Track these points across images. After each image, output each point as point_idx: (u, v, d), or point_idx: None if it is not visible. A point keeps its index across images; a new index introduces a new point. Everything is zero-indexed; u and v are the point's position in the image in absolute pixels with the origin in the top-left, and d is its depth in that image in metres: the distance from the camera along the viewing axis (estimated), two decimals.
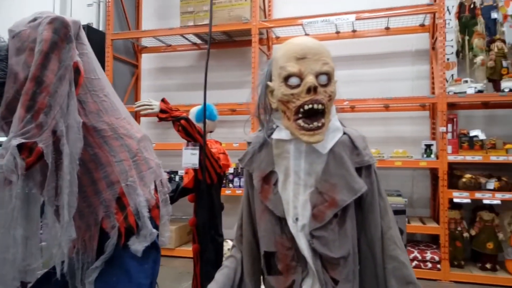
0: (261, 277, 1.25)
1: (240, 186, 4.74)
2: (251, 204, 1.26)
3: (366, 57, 4.93)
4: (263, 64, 5.10)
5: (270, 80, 1.16)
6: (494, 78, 4.13)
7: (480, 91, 4.03)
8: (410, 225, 4.06)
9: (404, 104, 4.64)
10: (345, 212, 1.10)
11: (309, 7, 4.97)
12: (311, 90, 1.04)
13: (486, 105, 4.38)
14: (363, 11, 4.31)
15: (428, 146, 4.25)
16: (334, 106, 1.15)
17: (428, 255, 4.02)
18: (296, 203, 1.12)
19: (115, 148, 1.39)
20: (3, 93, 1.27)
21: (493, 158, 3.89)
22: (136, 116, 5.06)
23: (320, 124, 1.06)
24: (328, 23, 4.48)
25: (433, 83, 4.59)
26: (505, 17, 4.23)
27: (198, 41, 5.48)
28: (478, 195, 3.88)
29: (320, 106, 1.05)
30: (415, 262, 4.04)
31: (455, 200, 3.96)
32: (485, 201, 3.90)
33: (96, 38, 5.06)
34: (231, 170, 4.79)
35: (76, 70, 1.29)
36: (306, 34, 4.84)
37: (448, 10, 4.55)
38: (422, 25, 4.70)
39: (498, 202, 3.86)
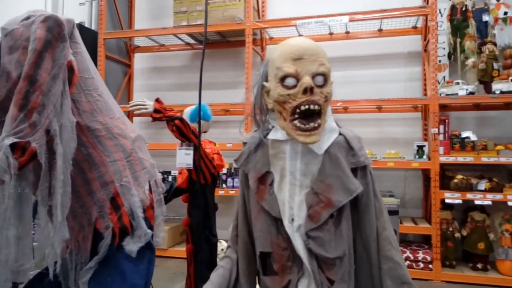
0: (257, 277, 1.25)
1: (233, 187, 4.73)
2: (247, 205, 1.25)
3: (359, 59, 4.96)
4: (257, 64, 5.12)
5: (266, 81, 1.15)
6: (485, 80, 4.18)
7: (471, 93, 4.07)
8: (402, 226, 4.09)
9: (397, 106, 4.67)
10: (340, 213, 1.10)
11: (302, 8, 4.98)
12: (308, 90, 1.05)
13: (477, 106, 4.43)
14: (356, 13, 4.33)
15: (420, 147, 4.29)
16: (330, 107, 1.15)
17: (420, 255, 4.05)
18: (292, 203, 1.12)
19: (109, 148, 1.37)
20: None
21: (484, 159, 3.93)
22: (129, 116, 5.03)
23: (316, 125, 1.06)
24: (322, 24, 4.50)
25: (425, 84, 4.63)
26: (496, 20, 4.28)
27: (192, 41, 5.47)
28: (469, 195, 3.92)
29: (316, 107, 1.06)
30: (407, 262, 4.06)
31: (447, 200, 4.00)
32: (477, 202, 3.94)
33: (89, 37, 5.02)
34: (224, 170, 4.78)
35: (70, 69, 1.28)
36: (300, 35, 4.85)
37: (440, 12, 4.59)
38: (415, 27, 4.74)
39: (489, 202, 3.90)
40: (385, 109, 4.75)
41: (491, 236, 3.96)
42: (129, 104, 2.37)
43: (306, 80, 1.05)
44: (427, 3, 4.31)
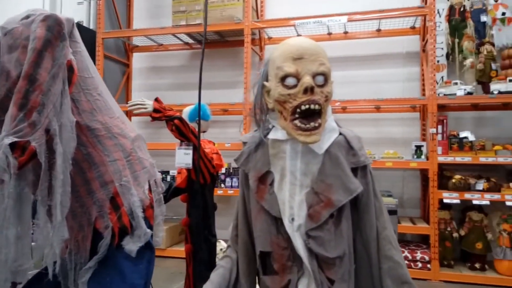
0: (257, 277, 1.25)
1: (232, 186, 4.73)
2: (247, 204, 1.25)
3: (358, 59, 4.96)
4: (256, 64, 5.12)
5: (267, 80, 1.15)
6: (483, 81, 4.19)
7: (469, 93, 4.08)
8: (400, 225, 4.10)
9: (395, 106, 4.68)
10: (340, 212, 1.10)
11: (301, 8, 4.98)
12: (308, 90, 1.04)
13: (475, 107, 4.44)
14: (355, 13, 4.34)
15: (419, 147, 4.29)
16: (330, 106, 1.15)
17: (418, 255, 4.06)
18: (292, 203, 1.12)
19: (108, 148, 1.37)
20: None
21: (482, 159, 3.94)
22: (128, 115, 5.02)
23: (316, 125, 1.06)
24: (320, 24, 4.50)
25: (423, 85, 4.64)
26: (494, 20, 4.29)
27: (190, 40, 5.46)
28: (467, 195, 3.93)
29: (316, 107, 1.05)
30: (405, 262, 4.06)
31: (445, 200, 4.01)
32: (474, 202, 3.95)
33: (87, 36, 5.00)
34: (223, 170, 4.78)
35: (70, 69, 1.27)
36: (298, 35, 4.85)
37: (438, 12, 4.60)
38: (413, 28, 4.74)
39: (487, 202, 3.91)
40: (383, 109, 4.75)
41: (489, 236, 3.98)
42: (128, 103, 2.37)
43: (307, 80, 1.05)
44: (426, 3, 4.32)
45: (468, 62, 4.18)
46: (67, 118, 1.25)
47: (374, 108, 4.73)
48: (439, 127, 4.22)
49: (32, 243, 1.31)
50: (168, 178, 5.03)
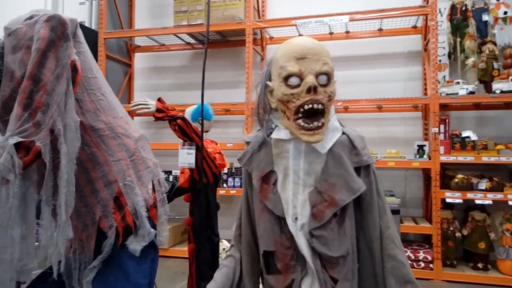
0: (260, 276, 1.25)
1: (234, 186, 4.74)
2: (250, 204, 1.26)
3: (359, 58, 4.96)
4: (257, 64, 5.12)
5: (270, 80, 1.16)
6: (486, 80, 4.18)
7: (471, 93, 4.07)
8: (403, 225, 4.10)
9: (397, 105, 4.68)
10: (344, 212, 1.10)
11: (303, 7, 4.99)
12: (311, 90, 1.05)
13: (477, 106, 4.43)
14: (356, 12, 4.34)
15: (421, 147, 4.29)
16: (333, 106, 1.16)
17: (421, 255, 4.05)
18: (296, 202, 1.12)
19: (112, 148, 1.38)
20: None
21: (485, 158, 3.93)
22: (130, 115, 5.02)
23: (320, 124, 1.06)
24: (322, 24, 4.50)
25: (425, 84, 4.63)
26: (496, 19, 4.29)
27: (192, 40, 5.47)
28: (470, 195, 3.93)
29: (320, 106, 1.06)
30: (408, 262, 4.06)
31: (448, 200, 4.00)
32: (477, 201, 3.94)
33: (89, 37, 5.01)
34: (225, 170, 4.78)
35: (74, 69, 1.28)
36: (300, 35, 4.85)
37: (440, 12, 4.60)
38: (415, 27, 4.74)
39: (490, 202, 3.90)
40: (385, 108, 4.75)
41: (492, 235, 3.97)
42: (131, 103, 2.38)
43: (310, 79, 1.05)
44: (427, 2, 4.32)
45: (470, 61, 4.17)
46: (71, 118, 1.25)
47: (376, 107, 4.73)
48: (441, 126, 4.21)
49: (36, 243, 1.32)
50: (171, 178, 5.04)
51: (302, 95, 1.06)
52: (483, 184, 3.95)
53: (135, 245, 1.33)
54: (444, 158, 4.02)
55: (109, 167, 1.35)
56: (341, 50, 4.93)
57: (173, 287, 3.78)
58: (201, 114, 1.84)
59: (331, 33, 5.00)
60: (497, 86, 4.01)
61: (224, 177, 4.80)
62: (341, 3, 4.77)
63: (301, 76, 1.07)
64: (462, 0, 4.38)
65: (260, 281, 1.26)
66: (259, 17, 5.18)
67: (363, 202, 1.14)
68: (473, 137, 4.12)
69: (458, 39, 4.36)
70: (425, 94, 4.52)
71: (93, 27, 5.37)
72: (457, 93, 4.08)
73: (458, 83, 4.15)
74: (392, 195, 4.29)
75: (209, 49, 5.32)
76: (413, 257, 4.06)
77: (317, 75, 1.07)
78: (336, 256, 1.08)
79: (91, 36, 5.08)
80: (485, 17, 4.31)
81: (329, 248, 1.08)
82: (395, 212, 3.85)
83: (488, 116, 4.55)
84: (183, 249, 4.55)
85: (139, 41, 5.71)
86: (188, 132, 2.32)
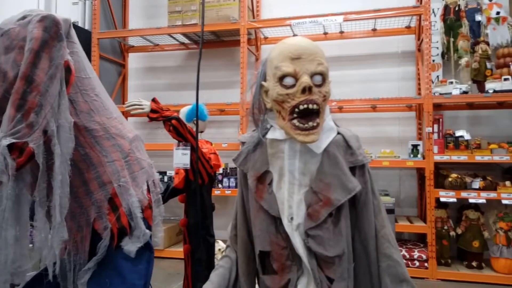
0: (256, 276, 1.25)
1: (229, 187, 4.73)
2: (245, 204, 1.26)
3: (353, 58, 4.98)
4: (252, 64, 5.12)
5: (265, 80, 1.16)
6: (479, 80, 4.21)
7: (465, 92, 4.10)
8: (397, 224, 4.11)
9: (391, 105, 4.70)
10: (339, 211, 1.11)
11: (297, 8, 4.99)
12: (306, 90, 1.05)
13: (471, 106, 4.46)
14: (350, 13, 4.35)
15: (415, 146, 4.31)
16: (328, 106, 1.16)
17: (416, 254, 4.07)
18: (291, 202, 1.12)
19: (106, 148, 1.37)
20: None
21: (478, 158, 3.96)
22: (124, 116, 5.01)
23: (315, 124, 1.06)
24: (316, 24, 4.51)
25: (419, 84, 4.66)
26: (489, 19, 4.31)
27: (186, 40, 5.45)
28: (463, 194, 3.95)
29: (315, 106, 1.06)
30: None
31: (442, 199, 4.02)
32: (471, 200, 3.97)
33: (82, 37, 4.98)
34: (220, 170, 4.78)
35: (67, 69, 1.27)
36: (294, 35, 4.86)
37: (433, 12, 4.62)
38: (408, 27, 4.76)
39: (483, 201, 3.93)
40: (379, 108, 4.77)
41: (486, 234, 4.00)
42: (125, 104, 2.37)
43: (305, 80, 1.05)
44: (421, 3, 4.34)
45: (463, 61, 4.20)
46: (65, 119, 1.24)
47: (370, 107, 4.75)
48: (435, 126, 4.23)
49: (30, 245, 1.31)
50: (165, 179, 5.02)
51: (297, 95, 1.06)
52: (477, 183, 3.98)
53: (130, 246, 1.33)
54: (438, 158, 4.05)
55: (104, 168, 1.35)
56: (335, 50, 4.94)
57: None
58: (196, 114, 1.84)
59: (325, 33, 5.01)
60: (490, 85, 4.04)
61: (219, 177, 4.79)
62: (335, 3, 4.78)
63: (296, 76, 1.07)
64: (455, 0, 4.41)
65: (256, 281, 1.26)
66: (254, 17, 5.18)
67: (358, 202, 1.14)
68: (467, 136, 4.15)
69: (452, 39, 4.39)
70: (419, 94, 4.55)
71: (86, 27, 5.34)
72: (450, 93, 4.10)
73: (451, 83, 4.17)
74: (387, 195, 4.30)
75: (204, 49, 5.28)
76: (408, 256, 4.08)
77: (312, 75, 1.07)
78: (332, 255, 1.08)
79: (84, 36, 5.05)
80: (478, 17, 4.34)
81: (324, 248, 1.08)
82: (389, 211, 3.86)
83: (481, 115, 4.58)
84: (179, 250, 4.54)
85: (133, 41, 5.68)
86: (183, 133, 2.32)
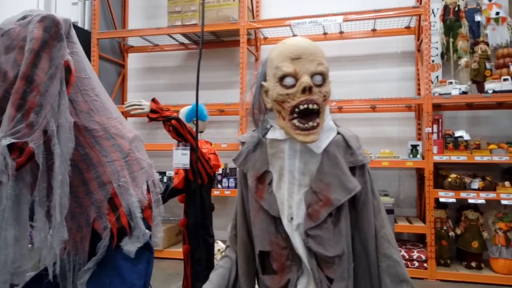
0: (256, 276, 1.25)
1: (228, 187, 4.73)
2: (245, 204, 1.26)
3: (353, 58, 4.98)
4: (251, 64, 5.12)
5: (265, 80, 1.16)
6: (478, 80, 4.22)
7: (464, 92, 4.11)
8: (397, 225, 4.12)
9: (391, 105, 4.70)
10: (339, 211, 1.11)
11: (297, 8, 5.00)
12: (306, 90, 1.05)
13: (470, 106, 4.47)
14: (350, 13, 4.36)
15: (414, 147, 4.31)
16: (328, 106, 1.16)
17: (415, 254, 4.07)
18: (291, 202, 1.12)
19: (106, 148, 1.37)
20: None
21: (478, 158, 3.96)
22: (124, 116, 5.01)
23: (315, 124, 1.06)
24: (316, 24, 4.51)
25: (418, 84, 4.66)
26: (488, 20, 4.32)
27: (186, 41, 5.46)
28: (463, 194, 3.96)
29: (315, 106, 1.06)
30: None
31: (441, 199, 4.03)
32: (470, 201, 3.97)
33: (82, 37, 4.97)
34: (220, 170, 4.78)
35: (67, 69, 1.27)
36: (294, 35, 4.86)
37: (433, 12, 4.63)
38: (408, 27, 4.77)
39: (483, 201, 3.93)
40: (379, 108, 4.77)
41: (485, 234, 4.00)
42: (125, 104, 2.36)
43: (305, 80, 1.05)
44: (420, 3, 4.34)
45: (462, 61, 4.21)
46: (65, 119, 1.24)
47: (370, 107, 4.75)
48: (435, 126, 4.24)
49: (29, 245, 1.31)
50: (165, 179, 5.02)
51: (297, 95, 1.06)
52: (476, 184, 3.98)
53: (130, 246, 1.33)
54: (437, 158, 4.05)
55: (103, 168, 1.35)
56: (335, 50, 4.94)
57: None
58: (196, 114, 1.84)
59: (325, 34, 5.01)
60: (489, 86, 4.04)
61: (219, 177, 4.79)
62: (335, 3, 4.79)
63: (296, 76, 1.07)
64: (455, 1, 4.41)
65: (256, 281, 1.26)
66: (253, 18, 5.18)
67: (358, 202, 1.14)
68: (466, 136, 4.15)
69: (451, 40, 4.39)
70: (419, 94, 4.55)
71: (86, 28, 5.33)
72: (450, 93, 4.11)
73: (451, 83, 4.17)
74: (386, 195, 4.31)
75: (204, 49, 5.28)
76: (407, 257, 4.08)
77: (312, 75, 1.07)
78: (332, 255, 1.08)
79: (84, 37, 5.04)
80: (477, 18, 4.34)
81: (324, 248, 1.08)
82: (389, 211, 3.86)
83: (480, 116, 4.58)
84: (178, 251, 4.54)
85: (132, 41, 5.68)
86: (183, 133, 2.32)
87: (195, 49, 5.62)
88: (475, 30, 4.36)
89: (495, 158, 3.92)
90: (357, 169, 1.14)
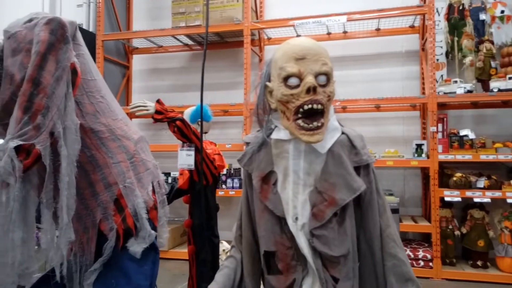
0: (261, 276, 1.25)
1: (233, 187, 4.74)
2: (250, 204, 1.26)
3: (357, 58, 4.97)
4: (255, 65, 5.12)
5: (269, 81, 1.16)
6: (483, 78, 4.20)
7: (469, 91, 4.09)
8: (402, 224, 4.11)
9: (395, 104, 4.69)
10: (344, 211, 1.11)
11: (300, 8, 4.99)
12: (311, 90, 1.05)
13: (475, 105, 4.45)
14: (354, 12, 4.35)
15: (419, 146, 4.30)
16: (333, 106, 1.16)
17: (420, 253, 4.06)
18: (296, 202, 1.12)
19: (112, 150, 1.38)
20: None
21: (483, 157, 3.94)
22: (129, 117, 5.02)
23: (319, 124, 1.06)
24: (320, 24, 4.51)
25: (423, 83, 4.65)
26: (493, 18, 4.30)
27: (190, 42, 5.47)
28: (468, 193, 3.94)
29: (319, 106, 1.06)
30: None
31: (446, 198, 4.01)
32: (476, 200, 3.96)
33: (86, 39, 4.96)
34: (224, 171, 4.78)
35: (73, 71, 1.28)
36: (298, 35, 4.86)
37: (437, 11, 4.62)
38: (412, 26, 4.75)
39: (488, 200, 3.92)
40: (383, 108, 4.76)
41: (491, 233, 3.98)
42: (130, 105, 2.38)
43: (309, 80, 1.05)
44: (425, 2, 4.33)
45: (467, 60, 4.19)
46: (71, 121, 1.25)
47: (374, 107, 4.74)
48: (439, 125, 4.22)
49: (36, 247, 1.32)
50: (169, 180, 5.04)
51: (301, 96, 1.06)
52: (482, 182, 3.96)
53: (136, 247, 1.33)
54: (442, 157, 4.04)
55: (109, 169, 1.36)
56: (339, 50, 4.94)
57: None
58: (201, 115, 1.85)
59: (329, 33, 5.01)
60: (494, 84, 4.02)
61: (223, 178, 4.80)
62: (338, 3, 4.78)
63: (300, 77, 1.07)
64: (459, 0, 4.40)
65: (261, 281, 1.26)
66: (257, 18, 5.18)
67: (363, 201, 1.14)
68: (471, 135, 4.13)
69: (456, 38, 4.37)
70: (423, 93, 4.54)
71: (90, 30, 5.37)
72: (455, 92, 4.09)
73: (455, 82, 4.16)
74: (391, 194, 4.30)
75: (208, 50, 5.31)
76: (412, 256, 4.07)
77: (316, 76, 1.07)
78: (337, 255, 1.08)
79: (89, 39, 5.07)
80: (482, 16, 4.32)
81: (329, 248, 1.08)
82: (394, 211, 3.85)
83: (486, 114, 4.56)
84: (183, 251, 4.55)
85: (137, 43, 5.71)
86: (187, 134, 2.33)
87: (199, 50, 5.63)
88: (480, 28, 4.34)
89: (501, 157, 3.90)
90: (362, 168, 1.14)
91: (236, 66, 5.34)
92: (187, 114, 2.70)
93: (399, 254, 1.13)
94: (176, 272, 4.21)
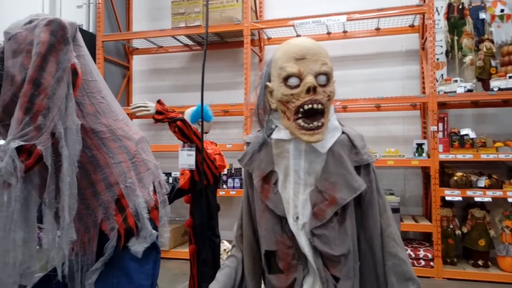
0: (262, 276, 1.26)
1: (234, 187, 4.74)
2: (251, 204, 1.26)
3: (357, 58, 4.97)
4: (255, 65, 5.13)
5: (269, 81, 1.16)
6: (483, 78, 4.20)
7: (469, 90, 4.09)
8: (403, 223, 4.11)
9: (395, 104, 4.69)
10: (345, 210, 1.11)
11: (300, 8, 5.00)
12: (311, 90, 1.06)
13: (475, 104, 4.45)
14: (354, 12, 4.35)
15: (420, 145, 4.30)
16: (333, 106, 1.16)
17: (421, 253, 4.06)
18: (296, 202, 1.13)
19: (113, 150, 1.38)
20: (0, 96, 1.26)
21: (484, 156, 3.95)
22: (129, 117, 5.03)
23: (319, 124, 1.07)
24: (319, 24, 4.52)
25: (423, 82, 4.65)
26: (493, 17, 4.30)
27: (190, 42, 5.47)
28: (469, 192, 3.94)
29: (319, 106, 1.06)
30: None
31: (447, 198, 4.01)
32: (476, 199, 3.96)
33: (86, 40, 4.97)
34: (225, 171, 4.79)
35: (74, 72, 1.29)
36: (298, 35, 4.86)
37: (437, 10, 4.62)
38: (412, 26, 4.75)
39: (489, 199, 3.92)
40: (383, 107, 4.77)
41: (492, 232, 3.98)
42: (130, 106, 2.38)
43: (309, 80, 1.06)
44: (424, 1, 4.33)
45: (467, 59, 4.19)
46: (72, 121, 1.26)
47: (374, 106, 4.74)
48: (440, 124, 4.22)
49: (37, 247, 1.32)
50: (170, 180, 5.04)
51: (301, 95, 1.07)
52: (482, 182, 3.97)
53: (137, 246, 1.34)
54: (443, 156, 4.04)
55: (110, 169, 1.36)
56: (339, 49, 4.94)
57: None
58: (201, 115, 1.85)
59: (328, 33, 5.01)
60: (495, 83, 4.02)
61: (224, 178, 4.81)
62: (338, 3, 4.78)
63: (300, 77, 1.07)
64: None
65: (262, 280, 1.26)
66: (257, 18, 5.19)
67: (364, 201, 1.15)
68: (472, 134, 4.13)
69: (456, 38, 4.38)
70: (423, 92, 4.54)
71: (90, 30, 5.37)
72: (455, 91, 4.09)
73: (456, 81, 4.16)
74: (392, 194, 4.30)
75: (208, 50, 5.32)
76: (413, 255, 4.07)
77: (316, 75, 1.08)
78: (338, 254, 1.09)
79: (89, 39, 5.08)
80: (482, 15, 4.32)
81: (330, 247, 1.09)
82: (394, 210, 3.86)
83: (486, 113, 4.56)
84: (184, 251, 4.56)
85: (137, 43, 5.71)
86: (188, 134, 2.33)
87: (199, 50, 5.64)
88: (480, 27, 4.34)
89: (501, 156, 3.90)
90: (362, 168, 1.14)
91: (236, 66, 5.34)
92: (187, 114, 2.70)
93: (400, 253, 1.13)
94: (177, 271, 4.22)
